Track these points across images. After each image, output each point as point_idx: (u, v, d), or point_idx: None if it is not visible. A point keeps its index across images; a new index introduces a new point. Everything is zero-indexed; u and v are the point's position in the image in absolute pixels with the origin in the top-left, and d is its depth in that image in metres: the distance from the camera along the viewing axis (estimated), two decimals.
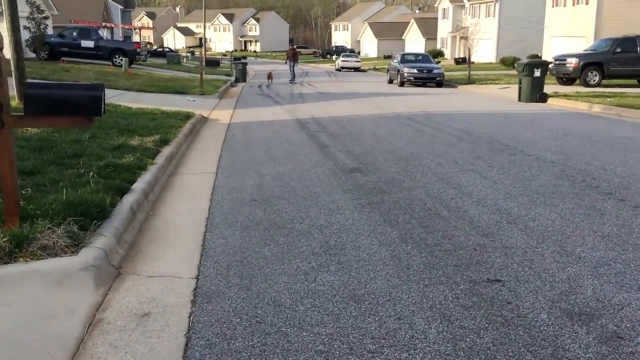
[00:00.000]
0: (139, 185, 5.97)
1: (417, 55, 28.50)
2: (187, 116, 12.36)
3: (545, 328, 3.11)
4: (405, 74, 24.85)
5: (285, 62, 31.09)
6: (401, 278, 3.82)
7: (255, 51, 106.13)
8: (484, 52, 46.85)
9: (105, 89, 4.40)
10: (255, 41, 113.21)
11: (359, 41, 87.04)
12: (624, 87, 21.42)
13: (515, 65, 17.75)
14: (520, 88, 17.50)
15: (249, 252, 4.35)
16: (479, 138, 9.91)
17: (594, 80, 22.10)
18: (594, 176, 6.82)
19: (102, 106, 4.21)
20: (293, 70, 29.99)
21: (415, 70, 24.75)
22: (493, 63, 45.72)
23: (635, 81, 23.04)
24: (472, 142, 9.44)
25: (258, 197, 6.02)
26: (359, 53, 70.30)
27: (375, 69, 47.69)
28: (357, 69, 46.86)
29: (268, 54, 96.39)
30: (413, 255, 4.24)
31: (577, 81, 22.65)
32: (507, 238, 4.60)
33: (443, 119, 12.87)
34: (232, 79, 29.29)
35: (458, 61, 42.73)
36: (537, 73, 17.01)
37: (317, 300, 3.49)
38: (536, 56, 43.38)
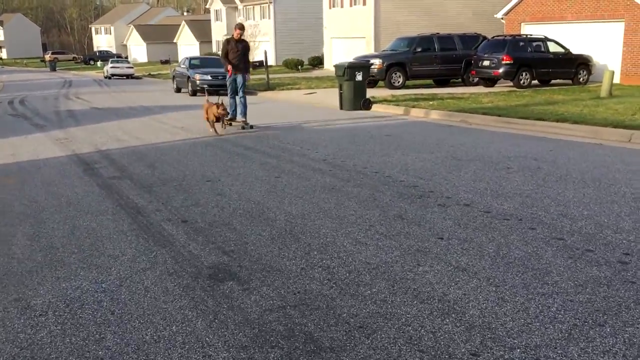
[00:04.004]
0: None
1: (206, 59, 25.05)
2: None
3: None
4: (198, 82, 21.26)
5: (229, 73, 12.12)
6: None
7: (1, 58, 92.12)
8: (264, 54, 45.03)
9: None
10: (1, 47, 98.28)
11: (125, 45, 79.86)
12: (425, 88, 20.56)
13: (335, 68, 15.49)
14: (341, 94, 15.26)
15: None
16: (360, 174, 7.06)
17: (399, 82, 20.99)
18: (605, 241, 4.39)
19: None
20: (241, 90, 12.24)
21: (209, 77, 21.27)
22: (274, 66, 44.12)
23: (430, 81, 22.43)
24: (360, 184, 6.53)
25: None
26: (127, 58, 64.04)
27: (151, 75, 42.99)
28: (130, 76, 41.65)
29: (18, 61, 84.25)
30: None
31: (381, 83, 21.39)
32: None
33: (282, 142, 9.83)
34: None
35: (255, 65, 40.03)
36: (359, 77, 14.90)
37: None
38: (317, 58, 42.89)
